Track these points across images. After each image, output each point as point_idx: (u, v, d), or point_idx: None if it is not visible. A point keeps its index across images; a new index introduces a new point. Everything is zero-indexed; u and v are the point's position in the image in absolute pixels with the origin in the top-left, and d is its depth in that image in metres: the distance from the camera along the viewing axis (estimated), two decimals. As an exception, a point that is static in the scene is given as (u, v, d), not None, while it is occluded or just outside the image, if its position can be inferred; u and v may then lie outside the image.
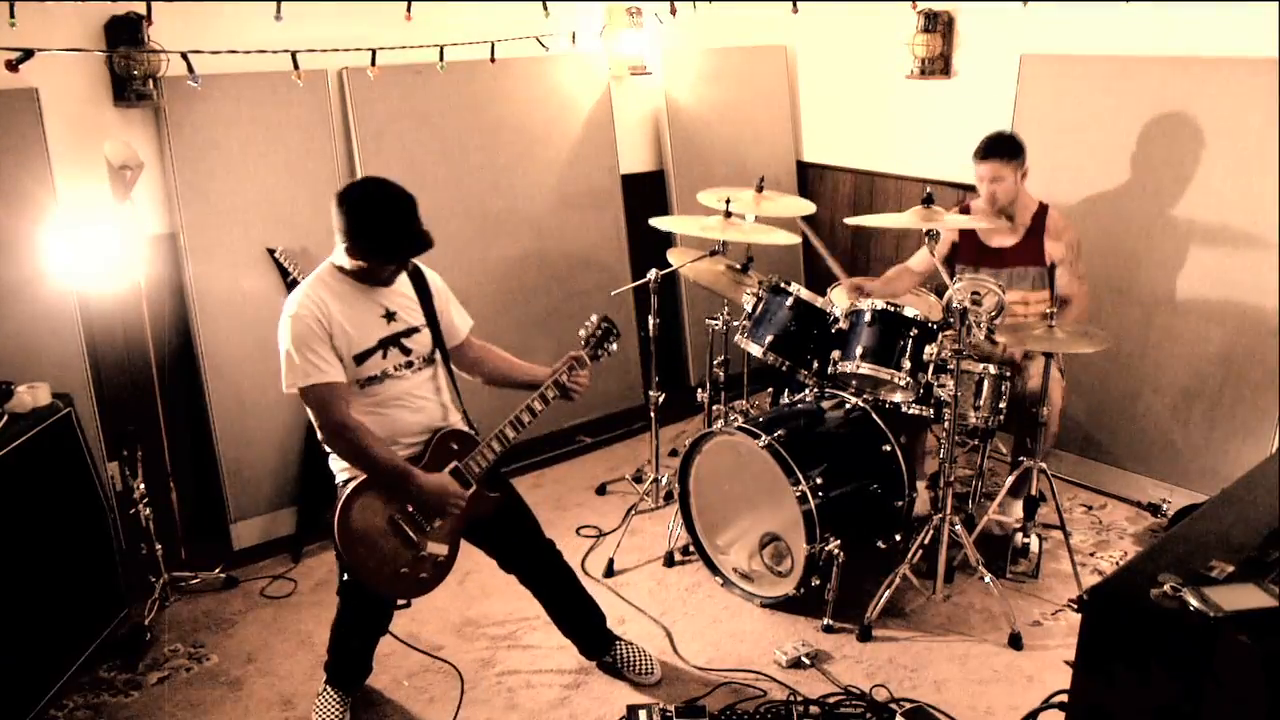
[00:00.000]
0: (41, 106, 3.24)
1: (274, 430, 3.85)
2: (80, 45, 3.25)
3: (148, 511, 3.35)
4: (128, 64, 3.32)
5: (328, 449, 2.59)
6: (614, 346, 2.88)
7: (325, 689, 2.91)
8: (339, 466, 2.67)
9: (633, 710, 2.75)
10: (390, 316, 2.63)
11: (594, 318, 2.88)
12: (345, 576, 2.68)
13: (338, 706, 2.86)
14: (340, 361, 2.53)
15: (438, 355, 2.74)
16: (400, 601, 2.75)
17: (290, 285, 3.79)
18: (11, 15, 2.88)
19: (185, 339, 3.69)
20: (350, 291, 2.58)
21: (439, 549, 2.66)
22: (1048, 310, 3.22)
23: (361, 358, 2.57)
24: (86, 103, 3.40)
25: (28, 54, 2.88)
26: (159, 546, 3.41)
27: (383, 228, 2.48)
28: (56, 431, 3.02)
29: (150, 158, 3.52)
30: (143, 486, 3.36)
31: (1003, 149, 3.52)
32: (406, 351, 2.64)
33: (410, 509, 2.61)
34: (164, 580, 3.45)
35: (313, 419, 2.54)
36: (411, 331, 2.66)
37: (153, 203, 3.59)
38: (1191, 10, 3.67)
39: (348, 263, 2.54)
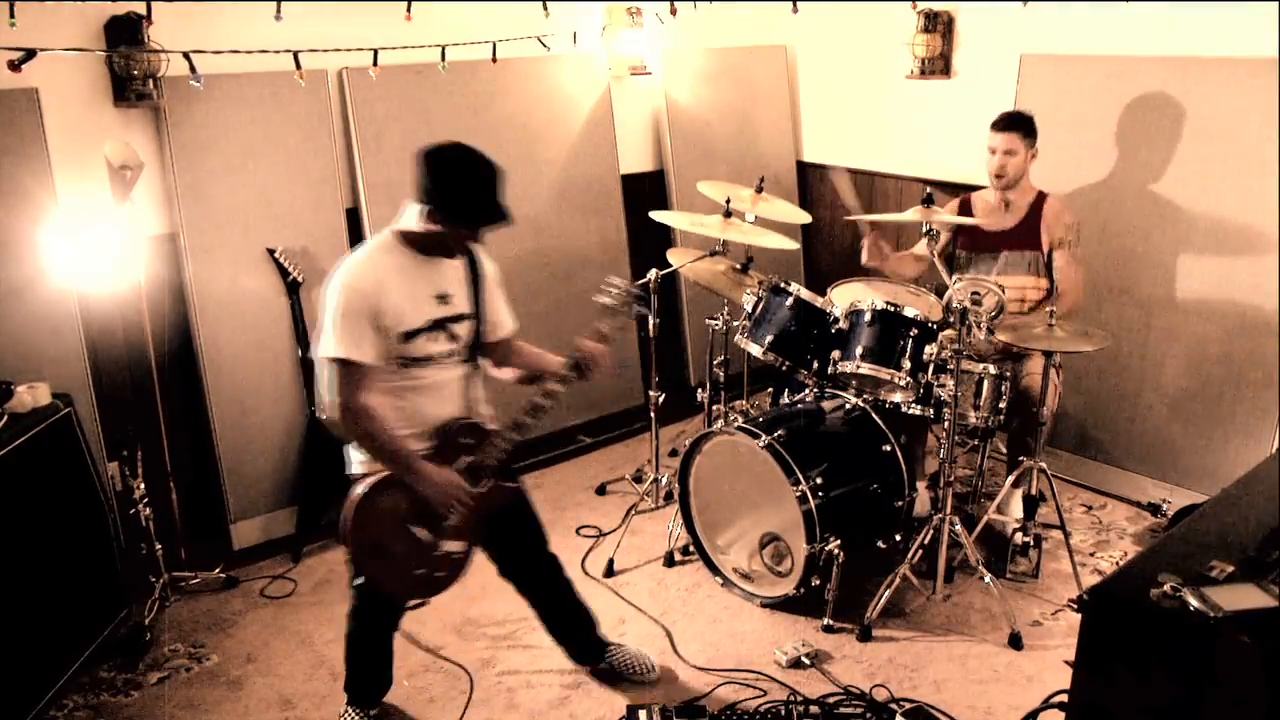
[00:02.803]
0: (41, 106, 3.23)
1: (274, 430, 3.85)
2: (80, 45, 3.25)
3: (148, 511, 3.35)
4: (128, 64, 3.31)
5: (332, 428, 2.47)
6: (644, 310, 2.69)
7: (346, 711, 2.83)
8: (357, 458, 2.56)
9: (633, 710, 2.75)
10: (443, 299, 2.52)
11: (619, 281, 2.70)
12: (360, 580, 2.57)
13: None
14: (384, 338, 2.42)
15: (474, 349, 2.64)
16: (414, 602, 2.70)
17: (290, 285, 3.80)
18: (12, 15, 2.88)
19: (185, 339, 3.69)
20: (410, 264, 2.47)
21: (455, 545, 2.58)
22: (1049, 308, 3.22)
23: (409, 335, 2.45)
24: (86, 103, 3.40)
25: (29, 54, 2.88)
26: (159, 546, 3.41)
27: (471, 193, 2.40)
28: (56, 431, 3.02)
29: (150, 158, 3.52)
30: (143, 486, 3.36)
31: (1022, 124, 3.61)
32: (454, 339, 2.54)
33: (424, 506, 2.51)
34: (164, 580, 3.45)
35: (325, 391, 2.42)
36: (461, 318, 2.55)
37: (153, 203, 3.58)
38: (1191, 10, 3.67)
39: (419, 226, 2.42)
